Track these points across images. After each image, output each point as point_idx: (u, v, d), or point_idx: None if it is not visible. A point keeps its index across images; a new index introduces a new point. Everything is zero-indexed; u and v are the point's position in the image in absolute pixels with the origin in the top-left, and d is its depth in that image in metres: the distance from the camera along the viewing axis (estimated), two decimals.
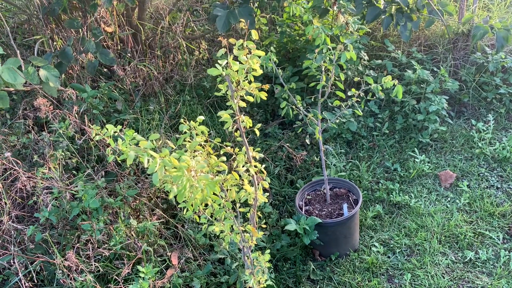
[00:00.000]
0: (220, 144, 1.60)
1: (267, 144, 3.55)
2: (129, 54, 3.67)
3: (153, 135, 1.20)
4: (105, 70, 3.69)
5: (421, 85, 3.72)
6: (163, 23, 3.81)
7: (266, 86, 1.47)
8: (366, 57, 3.71)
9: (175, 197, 1.54)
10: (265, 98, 1.46)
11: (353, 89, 2.56)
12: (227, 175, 1.53)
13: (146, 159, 1.14)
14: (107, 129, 1.29)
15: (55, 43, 3.47)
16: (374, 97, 3.76)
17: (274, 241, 2.85)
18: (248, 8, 2.82)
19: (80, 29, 3.26)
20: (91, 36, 3.15)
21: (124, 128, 2.66)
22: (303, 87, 3.75)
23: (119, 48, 3.75)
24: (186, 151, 1.35)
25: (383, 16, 3.47)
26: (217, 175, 1.47)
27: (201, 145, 1.47)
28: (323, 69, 2.50)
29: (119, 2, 3.57)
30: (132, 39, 3.75)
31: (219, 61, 1.31)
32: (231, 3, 3.05)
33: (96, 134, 1.30)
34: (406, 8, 3.39)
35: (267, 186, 1.63)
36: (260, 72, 1.37)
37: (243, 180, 1.56)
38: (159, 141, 2.57)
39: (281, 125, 3.85)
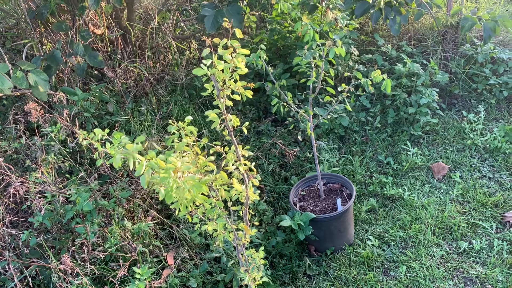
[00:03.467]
0: (210, 144, 1.61)
1: (260, 141, 3.56)
2: (119, 56, 3.66)
3: (139, 138, 1.21)
4: (95, 72, 3.68)
5: (412, 78, 3.74)
6: (153, 24, 3.80)
7: (252, 85, 1.48)
8: (356, 52, 3.72)
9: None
10: (251, 97, 1.46)
11: (343, 84, 2.56)
12: (216, 174, 1.54)
13: (132, 162, 1.14)
14: (94, 133, 1.29)
15: (44, 46, 3.45)
16: (365, 92, 3.77)
17: (270, 238, 2.86)
18: (237, 6, 2.82)
19: (69, 32, 3.25)
20: (79, 39, 3.14)
21: (116, 130, 2.65)
22: (295, 84, 3.76)
23: (109, 50, 3.74)
24: (174, 152, 1.36)
25: (372, 11, 3.48)
26: (207, 175, 1.48)
27: (189, 145, 1.48)
28: (313, 65, 2.50)
29: (107, 4, 3.55)
30: (122, 41, 3.74)
31: (204, 60, 1.31)
32: (220, 1, 3.05)
33: (83, 139, 1.30)
34: (395, 2, 3.40)
35: (257, 183, 1.64)
36: (245, 70, 1.37)
37: (232, 179, 1.57)
38: (146, 142, 2.56)
39: (274, 122, 3.86)
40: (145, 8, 4.18)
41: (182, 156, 1.37)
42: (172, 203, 1.42)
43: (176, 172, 1.19)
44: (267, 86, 3.64)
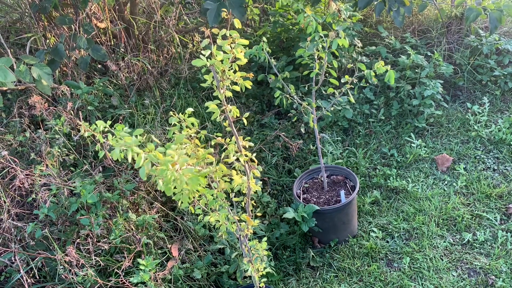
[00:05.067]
0: (211, 136, 1.61)
1: (264, 134, 3.56)
2: (122, 49, 3.67)
3: (137, 130, 1.21)
4: (99, 66, 3.69)
5: (416, 70, 3.72)
6: (156, 17, 3.80)
7: (251, 75, 1.48)
8: (360, 44, 3.71)
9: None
10: (250, 87, 1.47)
11: (346, 76, 2.56)
12: (217, 166, 1.55)
13: (130, 154, 1.15)
14: (96, 125, 1.30)
15: (48, 40, 3.46)
16: (368, 84, 3.76)
17: (273, 229, 2.87)
18: None
19: (72, 26, 3.26)
20: (82, 32, 3.15)
21: (120, 123, 2.66)
22: (298, 76, 3.75)
23: (112, 43, 3.75)
24: (175, 144, 1.36)
25: (375, 2, 3.45)
26: (207, 167, 1.49)
27: (190, 137, 1.48)
28: (316, 57, 2.50)
29: None
30: (125, 34, 3.75)
31: (203, 51, 1.31)
32: None
33: (85, 131, 1.31)
34: None
35: (258, 174, 1.64)
36: (245, 60, 1.38)
37: (232, 170, 1.58)
38: (144, 135, 2.58)
39: (277, 115, 3.86)
40: (148, 1, 4.17)
41: (183, 148, 1.38)
42: (174, 194, 1.43)
43: (174, 165, 1.19)
44: (270, 78, 3.63)
